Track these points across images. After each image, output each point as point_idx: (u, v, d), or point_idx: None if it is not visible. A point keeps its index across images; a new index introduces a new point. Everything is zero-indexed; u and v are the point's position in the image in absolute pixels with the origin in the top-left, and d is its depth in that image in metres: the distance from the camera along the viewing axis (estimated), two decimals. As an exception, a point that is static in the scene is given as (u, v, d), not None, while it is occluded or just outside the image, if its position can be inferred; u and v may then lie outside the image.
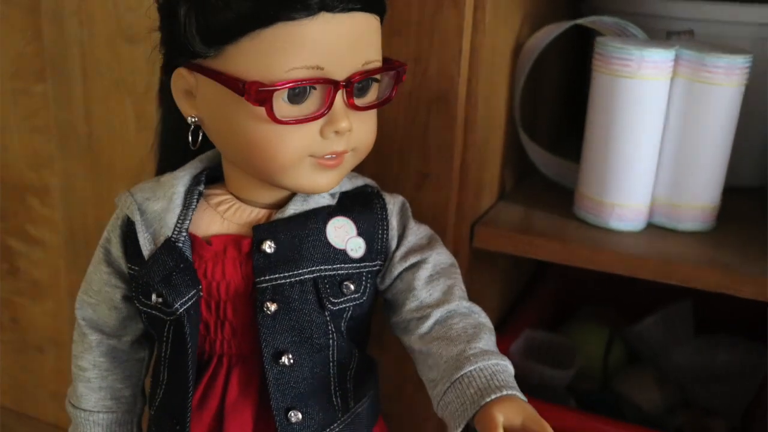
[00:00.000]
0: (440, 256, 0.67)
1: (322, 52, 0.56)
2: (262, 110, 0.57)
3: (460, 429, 0.57)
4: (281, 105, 0.57)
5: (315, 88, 0.58)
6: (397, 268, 0.67)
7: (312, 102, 0.58)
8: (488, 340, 0.62)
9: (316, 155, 0.60)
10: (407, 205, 0.69)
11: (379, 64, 0.61)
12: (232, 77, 0.57)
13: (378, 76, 0.62)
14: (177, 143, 0.70)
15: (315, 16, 0.55)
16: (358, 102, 0.61)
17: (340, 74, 0.58)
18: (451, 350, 0.61)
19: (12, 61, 1.03)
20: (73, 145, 1.03)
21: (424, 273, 0.66)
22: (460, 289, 0.66)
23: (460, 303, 0.65)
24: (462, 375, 0.59)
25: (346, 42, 0.57)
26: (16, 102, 1.05)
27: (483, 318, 0.65)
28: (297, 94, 0.58)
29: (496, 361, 0.60)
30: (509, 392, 0.57)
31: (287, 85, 0.56)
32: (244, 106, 0.57)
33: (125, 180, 1.01)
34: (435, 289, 0.65)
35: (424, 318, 0.64)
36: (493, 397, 0.56)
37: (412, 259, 0.66)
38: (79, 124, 1.01)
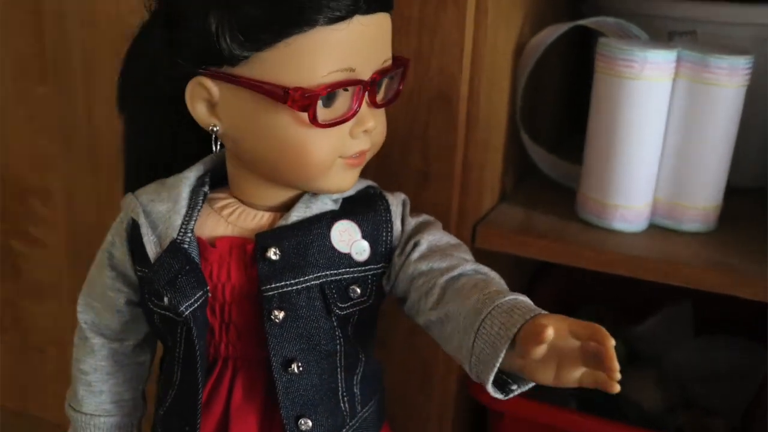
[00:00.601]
0: (435, 236, 0.66)
1: (354, 53, 0.58)
2: (298, 115, 0.57)
3: (495, 370, 0.53)
4: (318, 108, 0.57)
5: (347, 90, 0.59)
6: (397, 263, 0.66)
7: (341, 103, 0.59)
8: (501, 284, 0.60)
9: (345, 155, 0.61)
10: (407, 201, 0.69)
11: (391, 61, 0.62)
12: (270, 84, 0.57)
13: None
14: (146, 151, 0.70)
15: (350, 20, 0.56)
16: (377, 99, 0.62)
17: (366, 74, 0.59)
18: (466, 305, 0.57)
19: (14, 62, 1.03)
20: (75, 147, 1.03)
21: (418, 253, 0.64)
22: (461, 255, 0.64)
23: (465, 266, 0.62)
24: (483, 319, 0.55)
25: (371, 42, 0.59)
26: (18, 103, 1.05)
27: (492, 275, 0.63)
28: (330, 97, 0.58)
29: (513, 296, 0.56)
30: (535, 313, 0.54)
31: (330, 89, 0.57)
32: (280, 112, 0.58)
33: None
34: (434, 260, 0.63)
35: (431, 289, 0.61)
36: (522, 322, 0.52)
37: (408, 248, 0.66)
38: (81, 126, 1.01)
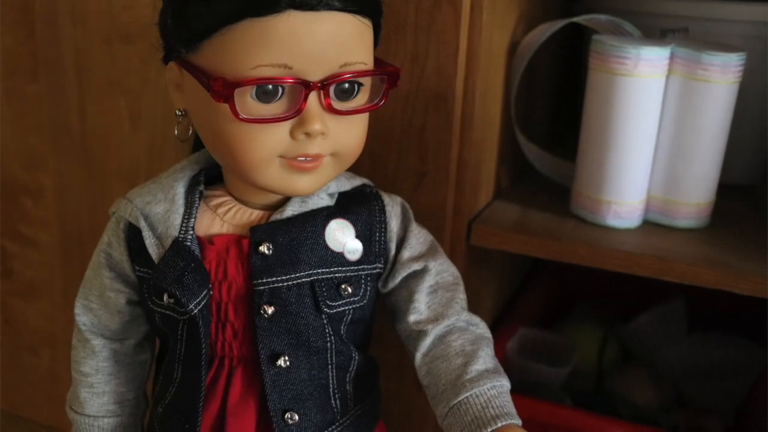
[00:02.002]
0: (441, 266, 0.68)
1: (290, 50, 0.55)
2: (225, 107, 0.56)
3: None
4: (249, 103, 0.56)
5: (284, 88, 0.57)
6: (400, 273, 0.67)
7: (283, 102, 0.57)
8: (486, 357, 0.63)
9: (287, 156, 0.59)
10: (407, 207, 0.69)
11: (364, 66, 0.59)
12: (203, 72, 0.57)
13: (363, 81, 0.60)
14: None
15: (282, 14, 0.54)
16: (339, 106, 0.59)
17: (314, 75, 0.57)
18: (450, 374, 0.62)
19: (5, 60, 1.02)
20: (66, 145, 1.02)
21: (425, 284, 0.66)
22: (460, 300, 0.67)
23: (459, 317, 0.65)
24: (459, 402, 0.60)
25: (318, 42, 0.56)
26: (9, 102, 1.04)
27: (480, 329, 0.66)
28: (267, 93, 0.56)
29: (492, 383, 0.60)
30: (506, 422, 0.58)
31: (250, 83, 0.55)
32: (215, 101, 0.57)
33: (119, 180, 1.00)
34: (434, 301, 0.66)
35: (423, 334, 0.64)
36: (489, 429, 0.58)
37: (416, 266, 0.66)
38: (73, 124, 1.01)
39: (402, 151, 0.80)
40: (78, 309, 0.71)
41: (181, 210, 0.64)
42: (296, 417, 0.64)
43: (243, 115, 0.56)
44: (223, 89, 0.55)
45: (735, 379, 1.00)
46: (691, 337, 1.05)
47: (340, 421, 0.68)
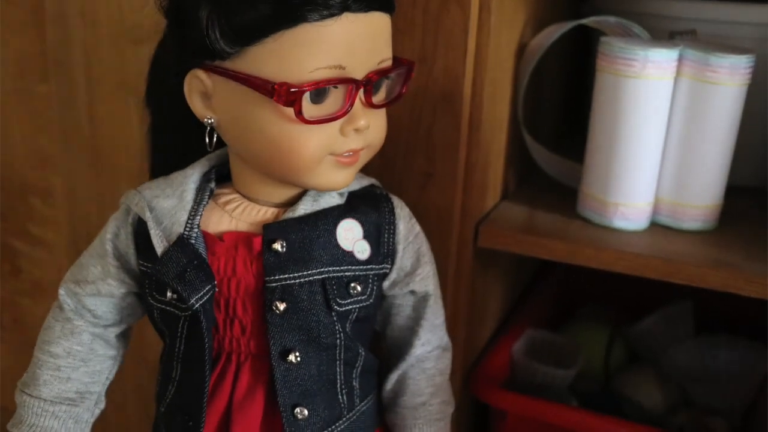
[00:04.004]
0: (437, 287, 0.72)
1: (343, 51, 0.57)
2: (286, 110, 0.57)
3: None
4: (305, 104, 0.58)
5: (336, 87, 0.59)
6: (411, 285, 0.70)
7: (332, 101, 0.59)
8: (446, 389, 0.74)
9: (336, 153, 0.61)
10: (413, 217, 0.70)
11: (390, 62, 0.62)
12: (258, 78, 0.57)
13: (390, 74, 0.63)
14: (170, 145, 0.71)
15: (338, 17, 0.56)
16: (373, 100, 0.61)
17: (359, 73, 0.59)
18: (415, 398, 0.72)
19: (15, 61, 1.03)
20: (76, 146, 1.03)
21: (429, 310, 0.71)
22: (443, 324, 0.74)
23: (440, 343, 0.73)
24: (415, 423, 0.72)
25: (365, 41, 0.58)
26: (19, 102, 1.05)
27: (450, 352, 0.75)
28: (319, 94, 0.58)
29: (443, 415, 0.73)
30: None
31: (316, 86, 0.57)
32: (268, 106, 0.58)
33: (128, 180, 1.01)
34: (427, 328, 0.71)
35: (407, 354, 0.72)
36: None
37: (430, 287, 0.71)
38: (82, 125, 1.01)
39: (409, 151, 0.80)
40: (64, 290, 0.69)
41: (188, 206, 0.64)
42: (306, 412, 0.65)
43: (308, 117, 0.58)
44: (290, 94, 0.56)
45: (742, 380, 1.00)
46: (697, 338, 1.05)
47: (347, 416, 0.68)
